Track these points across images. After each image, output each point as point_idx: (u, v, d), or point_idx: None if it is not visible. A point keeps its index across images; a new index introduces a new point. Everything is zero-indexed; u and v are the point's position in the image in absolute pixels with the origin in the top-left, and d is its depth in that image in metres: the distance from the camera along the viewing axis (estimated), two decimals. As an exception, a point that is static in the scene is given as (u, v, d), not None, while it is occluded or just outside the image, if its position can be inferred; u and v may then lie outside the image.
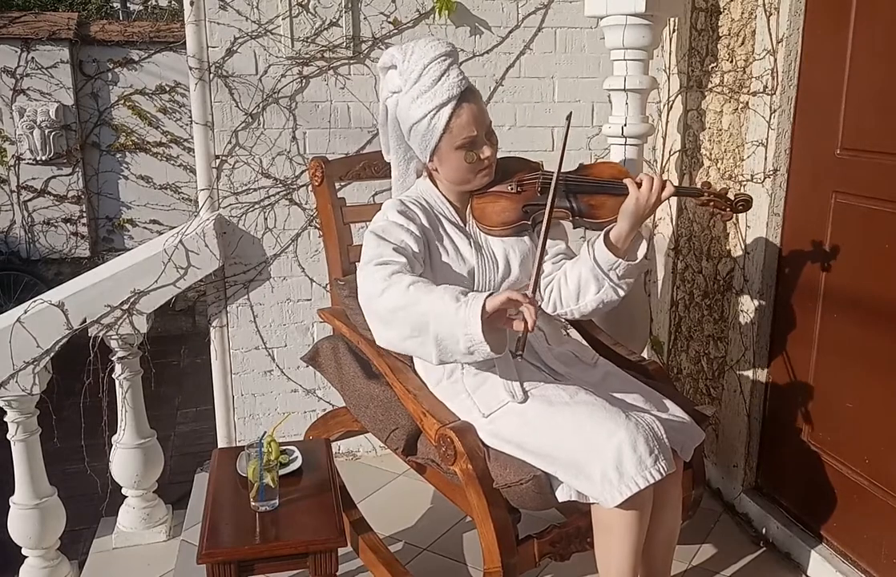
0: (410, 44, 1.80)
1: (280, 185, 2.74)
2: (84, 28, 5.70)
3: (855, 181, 2.09)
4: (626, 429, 1.57)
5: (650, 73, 2.50)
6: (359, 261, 1.78)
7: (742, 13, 2.44)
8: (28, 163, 5.65)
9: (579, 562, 1.90)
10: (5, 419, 2.36)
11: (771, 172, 2.34)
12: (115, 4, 8.46)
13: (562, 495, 1.65)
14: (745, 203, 1.81)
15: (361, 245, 1.80)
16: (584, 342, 2.12)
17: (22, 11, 6.13)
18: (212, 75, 2.61)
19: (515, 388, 1.73)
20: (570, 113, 1.88)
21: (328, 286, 2.46)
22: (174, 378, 5.10)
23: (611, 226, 1.77)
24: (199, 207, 2.71)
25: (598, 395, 1.71)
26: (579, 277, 1.78)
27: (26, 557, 2.45)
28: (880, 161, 2.00)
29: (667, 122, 2.91)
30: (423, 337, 1.59)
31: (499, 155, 1.86)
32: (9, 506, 2.40)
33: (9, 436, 2.36)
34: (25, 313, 2.31)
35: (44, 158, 5.60)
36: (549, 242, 1.84)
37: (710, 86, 2.63)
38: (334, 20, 2.66)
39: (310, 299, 2.84)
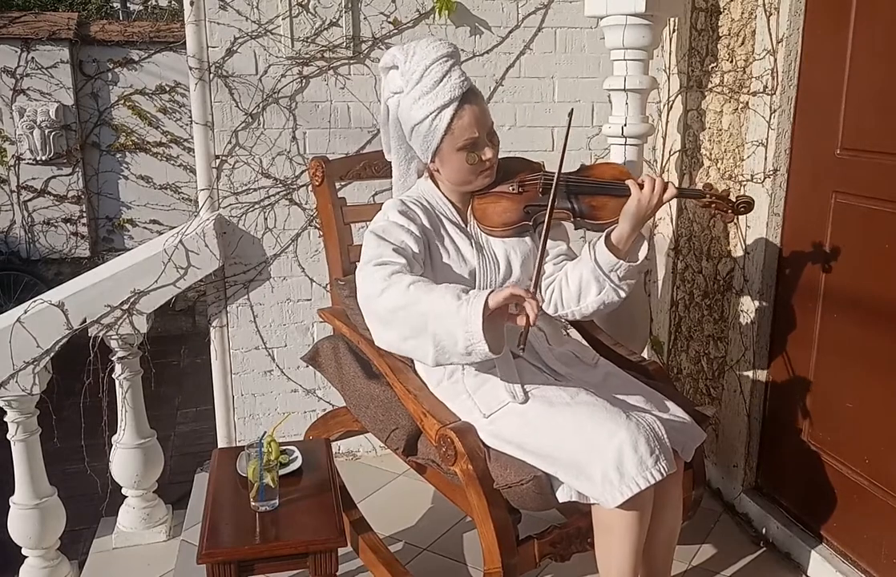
0: (412, 44, 1.79)
1: (280, 185, 2.74)
2: (84, 28, 5.70)
3: (855, 181, 2.09)
4: (627, 429, 1.57)
5: (650, 73, 2.50)
6: (359, 261, 1.78)
7: (742, 13, 2.44)
8: (28, 163, 5.65)
9: (580, 563, 1.90)
10: (5, 419, 2.36)
11: (771, 172, 2.34)
12: (115, 4, 8.46)
13: (562, 495, 1.65)
14: (747, 205, 1.81)
15: (361, 245, 1.80)
16: (584, 343, 2.12)
17: (22, 11, 6.13)
18: (212, 75, 2.61)
19: (516, 388, 1.72)
20: (572, 109, 1.87)
21: (328, 286, 2.46)
22: (174, 378, 5.10)
23: (612, 227, 1.77)
24: (199, 207, 2.71)
25: (599, 395, 1.71)
26: (580, 279, 1.78)
27: (26, 557, 2.45)
28: (880, 161, 2.00)
29: (667, 122, 2.91)
30: (421, 337, 1.59)
31: (500, 155, 1.86)
32: (9, 506, 2.40)
33: (9, 436, 2.36)
34: (25, 313, 2.31)
35: (44, 158, 5.61)
36: (550, 242, 1.84)
37: (710, 86, 2.63)
38: (334, 20, 2.66)
39: (310, 299, 2.84)
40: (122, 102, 5.79)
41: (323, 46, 2.67)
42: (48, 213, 5.77)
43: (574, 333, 2.30)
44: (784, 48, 2.26)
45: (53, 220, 5.79)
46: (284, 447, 1.94)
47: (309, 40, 2.65)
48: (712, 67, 2.61)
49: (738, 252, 2.50)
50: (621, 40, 2.41)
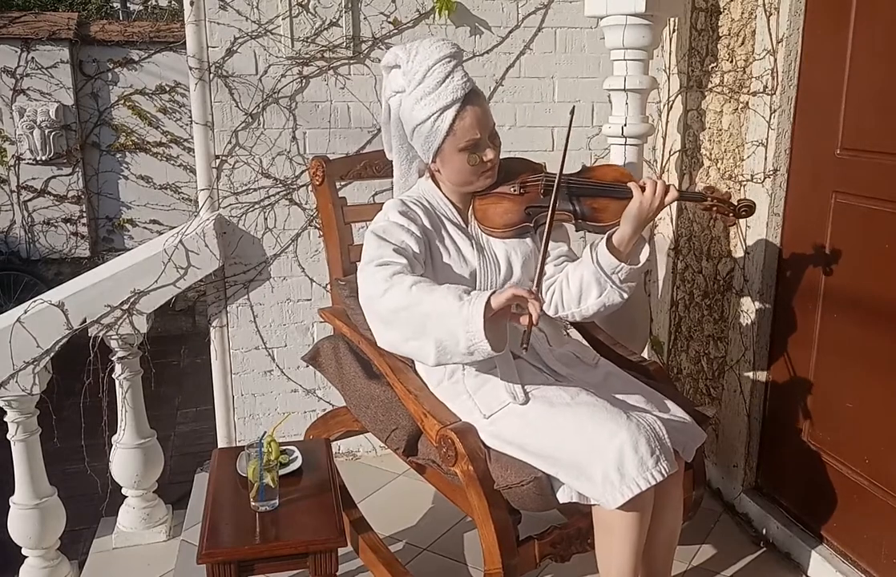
0: (415, 43, 1.79)
1: (280, 185, 2.74)
2: (84, 28, 5.70)
3: (855, 181, 2.09)
4: (628, 430, 1.57)
5: (650, 73, 2.50)
6: (359, 261, 1.78)
7: (742, 13, 2.44)
8: (28, 163, 5.64)
9: (580, 563, 1.89)
10: (5, 419, 2.36)
11: (771, 172, 2.34)
12: (115, 4, 8.46)
13: (563, 496, 1.65)
14: (748, 209, 1.80)
15: (362, 245, 1.80)
16: (584, 343, 2.12)
17: (22, 11, 6.13)
18: (212, 75, 2.61)
19: (517, 389, 1.72)
20: (574, 108, 1.87)
21: (328, 286, 2.46)
22: (174, 378, 5.10)
23: (613, 229, 1.77)
24: (199, 207, 2.71)
25: (600, 396, 1.71)
26: (581, 280, 1.78)
27: (26, 557, 2.45)
28: (880, 161, 2.00)
29: (667, 122, 2.91)
30: (423, 337, 1.59)
31: (500, 156, 1.86)
32: (9, 506, 2.40)
33: (9, 436, 2.36)
34: (25, 313, 2.31)
35: (44, 158, 5.60)
36: (550, 243, 1.84)
37: (710, 86, 2.63)
38: (334, 20, 2.66)
39: (310, 299, 2.84)
40: (122, 102, 5.79)
41: (323, 46, 2.67)
42: (48, 213, 5.77)
43: (574, 333, 2.30)
44: (784, 48, 2.26)
45: (53, 220, 5.79)
46: (284, 447, 1.94)
47: (309, 40, 2.65)
48: (712, 67, 2.61)
49: (738, 252, 2.50)
50: (621, 40, 2.41)
